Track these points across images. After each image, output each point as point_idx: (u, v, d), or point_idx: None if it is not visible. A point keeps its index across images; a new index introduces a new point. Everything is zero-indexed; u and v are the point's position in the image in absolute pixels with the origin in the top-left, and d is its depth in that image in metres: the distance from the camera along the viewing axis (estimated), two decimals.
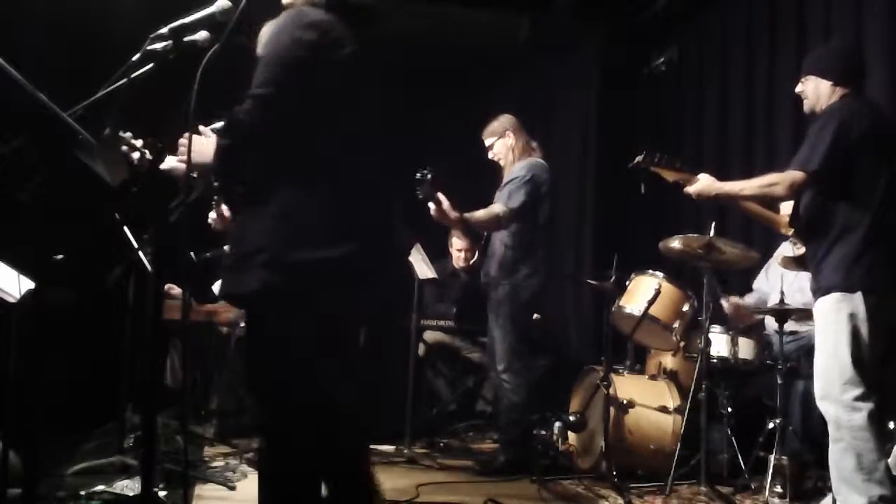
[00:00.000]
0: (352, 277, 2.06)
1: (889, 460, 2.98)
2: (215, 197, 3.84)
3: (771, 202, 3.13)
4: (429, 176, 3.77)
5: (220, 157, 2.01)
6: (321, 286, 2.01)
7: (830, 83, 3.02)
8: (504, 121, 4.28)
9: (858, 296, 2.80)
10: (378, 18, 2.23)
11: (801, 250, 3.14)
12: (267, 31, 2.10)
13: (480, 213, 4.06)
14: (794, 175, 2.88)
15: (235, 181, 2.17)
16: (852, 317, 2.79)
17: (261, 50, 2.06)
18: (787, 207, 3.18)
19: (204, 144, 2.06)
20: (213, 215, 3.97)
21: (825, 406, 2.83)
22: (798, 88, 3.14)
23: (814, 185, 2.88)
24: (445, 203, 3.84)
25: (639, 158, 3.14)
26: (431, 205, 3.83)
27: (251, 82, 2.01)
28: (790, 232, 3.16)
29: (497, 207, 4.05)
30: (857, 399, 2.74)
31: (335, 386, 2.16)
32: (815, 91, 3.05)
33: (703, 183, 3.10)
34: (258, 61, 2.03)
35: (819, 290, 2.90)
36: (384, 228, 2.20)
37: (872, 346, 2.79)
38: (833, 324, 2.82)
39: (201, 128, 2.13)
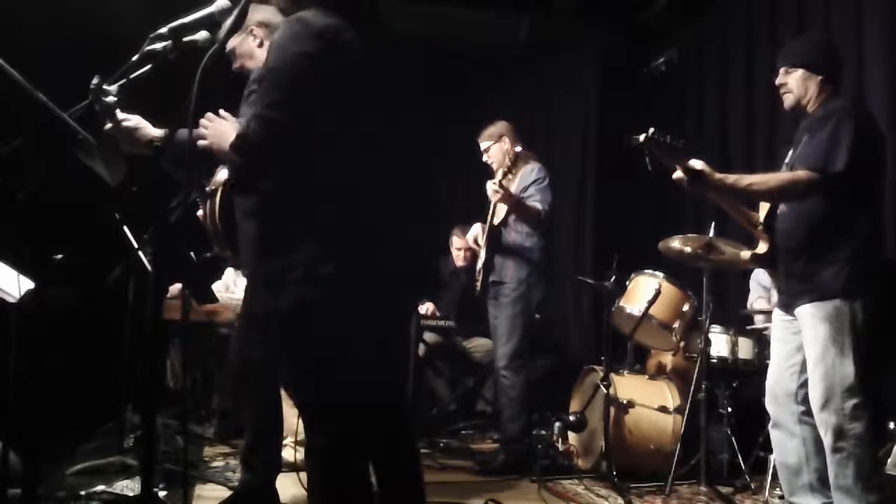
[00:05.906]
0: (372, 283, 2.01)
1: (889, 461, 2.97)
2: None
3: (780, 202, 2.92)
4: None
5: (235, 174, 2.02)
6: (348, 295, 1.96)
7: (821, 78, 2.90)
8: (500, 126, 4.37)
9: (858, 303, 2.73)
10: (381, 13, 2.13)
11: (765, 247, 3.01)
12: (274, 41, 2.01)
13: (530, 205, 4.12)
14: (813, 176, 2.73)
15: (250, 194, 2.15)
16: (853, 324, 2.72)
17: (268, 62, 1.96)
18: (763, 205, 3.04)
19: (223, 126, 2.04)
20: (200, 213, 3.98)
21: (825, 416, 2.71)
22: (780, 80, 2.98)
23: (830, 187, 2.73)
24: None
25: (642, 137, 2.85)
26: None
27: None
28: (759, 229, 3.02)
29: (540, 206, 4.12)
30: (858, 408, 2.68)
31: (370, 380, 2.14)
32: (803, 85, 2.92)
33: (703, 166, 2.81)
34: (266, 73, 1.96)
35: (812, 294, 2.79)
36: (402, 232, 2.14)
37: (870, 354, 2.74)
38: (834, 331, 2.73)
39: (222, 112, 2.09)
